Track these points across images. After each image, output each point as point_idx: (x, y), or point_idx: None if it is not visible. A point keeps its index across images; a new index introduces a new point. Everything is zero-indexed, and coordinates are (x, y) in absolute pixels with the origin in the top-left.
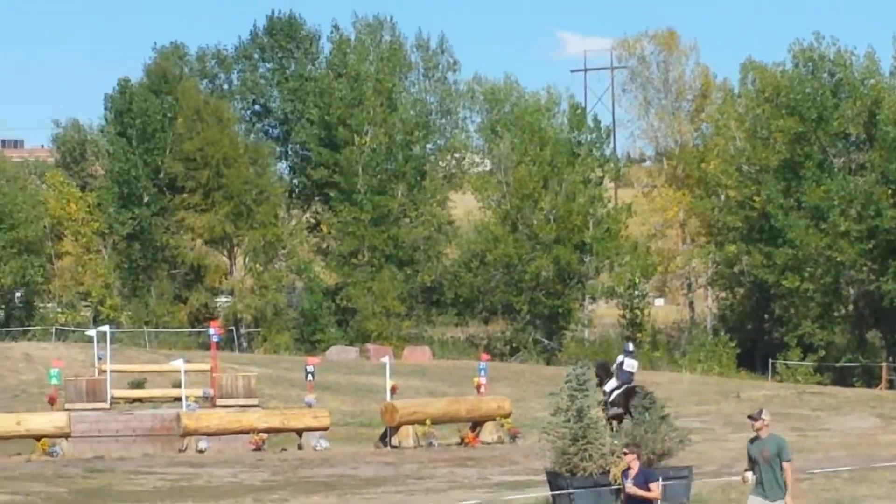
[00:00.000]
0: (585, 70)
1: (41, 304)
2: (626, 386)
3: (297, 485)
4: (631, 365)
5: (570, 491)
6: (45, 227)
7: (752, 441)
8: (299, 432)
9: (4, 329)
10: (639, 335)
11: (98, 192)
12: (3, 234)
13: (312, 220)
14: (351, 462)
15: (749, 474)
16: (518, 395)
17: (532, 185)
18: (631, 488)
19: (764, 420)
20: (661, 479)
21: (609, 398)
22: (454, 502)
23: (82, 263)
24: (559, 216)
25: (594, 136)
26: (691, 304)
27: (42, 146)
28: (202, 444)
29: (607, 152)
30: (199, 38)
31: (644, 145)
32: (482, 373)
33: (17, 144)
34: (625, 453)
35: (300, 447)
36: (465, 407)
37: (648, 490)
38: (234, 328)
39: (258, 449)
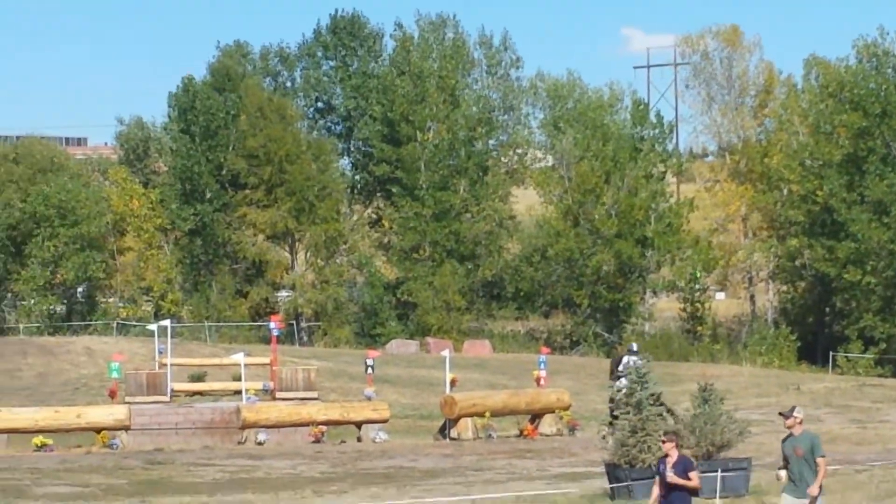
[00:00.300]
0: (648, 66)
1: (103, 299)
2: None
3: (356, 477)
4: (641, 362)
5: (629, 483)
6: (107, 223)
7: (785, 439)
8: (359, 425)
9: (66, 323)
10: (699, 328)
11: (161, 189)
12: (67, 229)
13: (374, 216)
14: (410, 454)
15: (783, 472)
16: (578, 388)
17: (594, 180)
18: (672, 477)
19: (796, 417)
20: (720, 472)
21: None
22: (513, 494)
23: (144, 259)
24: (621, 211)
25: (657, 131)
26: (752, 297)
27: (105, 143)
28: (261, 437)
29: (670, 148)
30: (263, 36)
31: (707, 140)
32: (542, 366)
33: (80, 142)
34: (663, 441)
35: (359, 439)
36: (525, 399)
37: (688, 479)
38: (294, 322)
39: (317, 441)
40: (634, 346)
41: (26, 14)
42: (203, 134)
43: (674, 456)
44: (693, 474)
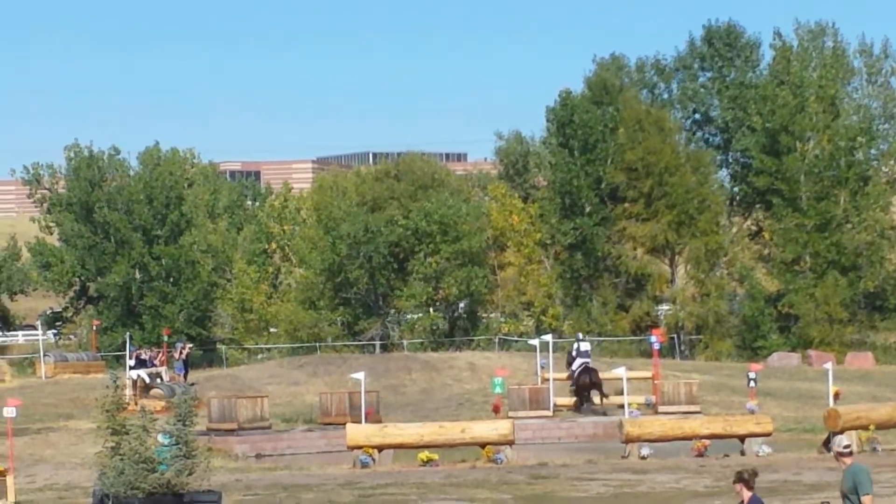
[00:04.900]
0: None
1: (485, 315)
2: (584, 364)
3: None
4: (587, 345)
5: None
6: (488, 238)
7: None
8: (742, 438)
9: (449, 339)
10: None
11: (540, 203)
12: (448, 245)
13: (754, 228)
14: (794, 468)
15: None
16: None
17: None
18: None
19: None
20: None
21: (575, 374)
22: None
23: (525, 274)
24: None
25: None
26: None
27: (485, 159)
28: (645, 451)
29: None
30: (638, 48)
31: None
32: None
33: (460, 157)
34: (734, 482)
35: (743, 453)
36: None
37: None
38: (675, 335)
39: (700, 455)
40: (580, 335)
41: (408, 32)
42: (581, 147)
43: (745, 498)
44: None
